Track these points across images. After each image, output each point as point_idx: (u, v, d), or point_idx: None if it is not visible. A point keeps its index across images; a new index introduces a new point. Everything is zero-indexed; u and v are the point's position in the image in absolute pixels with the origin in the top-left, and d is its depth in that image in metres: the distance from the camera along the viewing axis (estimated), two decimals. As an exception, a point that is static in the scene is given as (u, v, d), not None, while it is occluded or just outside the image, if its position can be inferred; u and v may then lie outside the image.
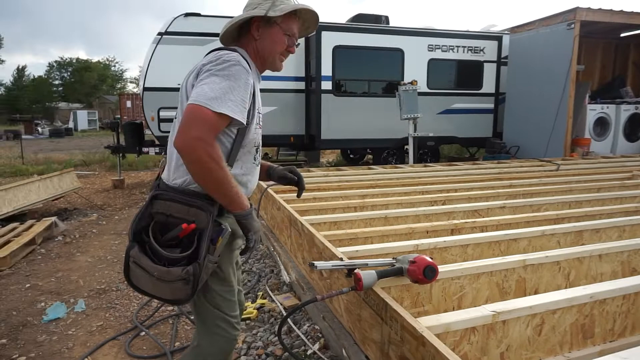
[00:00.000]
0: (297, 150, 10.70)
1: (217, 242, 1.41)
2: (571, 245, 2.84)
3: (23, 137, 20.27)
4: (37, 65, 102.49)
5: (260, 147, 1.68)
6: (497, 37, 9.53)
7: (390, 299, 1.76)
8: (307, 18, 1.67)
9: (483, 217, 3.59)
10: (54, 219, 5.12)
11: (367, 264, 1.98)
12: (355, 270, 1.89)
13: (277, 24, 1.56)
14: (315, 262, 1.88)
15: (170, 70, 7.58)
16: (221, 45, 1.60)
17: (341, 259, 2.07)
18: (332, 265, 1.93)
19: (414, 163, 7.23)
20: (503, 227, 3.17)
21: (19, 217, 5.62)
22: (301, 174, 1.95)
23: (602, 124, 8.52)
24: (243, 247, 1.57)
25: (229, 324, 1.59)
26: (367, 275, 1.84)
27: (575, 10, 7.45)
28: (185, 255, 1.38)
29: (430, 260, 1.84)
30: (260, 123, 1.63)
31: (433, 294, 2.13)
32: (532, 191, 4.45)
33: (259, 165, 1.71)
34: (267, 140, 9.12)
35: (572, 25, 7.43)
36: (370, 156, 11.32)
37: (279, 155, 11.53)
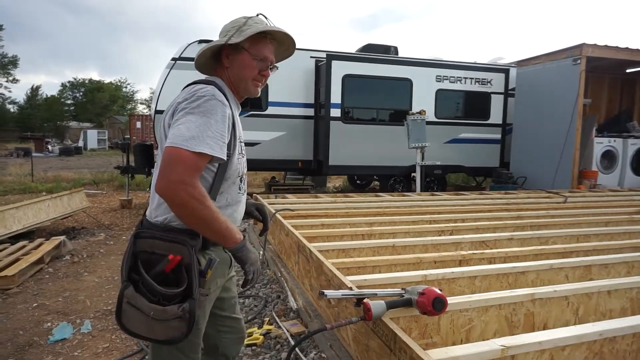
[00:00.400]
0: (305, 175, 10.78)
1: (207, 274, 1.40)
2: (579, 280, 2.83)
3: (33, 154, 20.59)
4: (51, 85, 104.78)
5: (246, 176, 1.65)
6: (505, 70, 9.69)
7: (399, 330, 1.77)
8: (282, 40, 1.63)
9: (491, 248, 3.59)
10: (62, 238, 5.16)
11: (376, 294, 1.99)
12: (365, 300, 1.91)
13: (244, 49, 1.53)
14: (325, 291, 1.90)
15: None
16: (198, 78, 1.58)
17: (351, 288, 2.09)
18: (342, 294, 1.94)
19: (421, 191, 7.25)
20: (511, 259, 3.17)
21: (27, 235, 5.67)
22: (268, 214, 1.91)
23: (609, 157, 8.55)
24: (241, 281, 1.55)
25: None
26: (376, 306, 1.85)
27: (581, 46, 7.59)
28: (181, 291, 1.35)
29: (439, 292, 1.86)
30: (243, 152, 1.61)
31: (441, 325, 2.13)
32: (539, 223, 4.45)
33: (245, 194, 1.68)
34: (276, 165, 9.25)
35: (579, 61, 7.56)
36: (376, 182, 11.36)
37: (286, 179, 11.61)
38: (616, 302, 2.43)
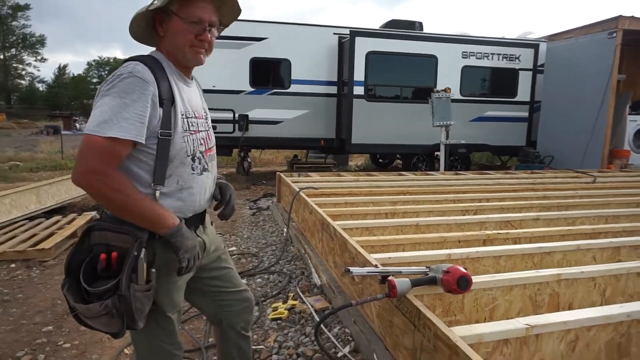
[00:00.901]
0: (327, 153, 10.79)
1: (138, 269, 1.32)
2: (607, 262, 2.79)
3: (62, 132, 21.16)
4: (77, 64, 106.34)
5: (206, 154, 1.53)
6: (534, 45, 9.37)
7: (423, 307, 1.79)
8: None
9: (516, 228, 3.56)
10: (93, 213, 5.35)
11: (400, 272, 2.02)
12: (389, 278, 1.93)
13: (174, 13, 1.38)
14: (351, 268, 1.93)
15: (205, 72, 7.77)
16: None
17: (376, 266, 2.12)
18: (367, 272, 1.97)
19: (444, 170, 7.18)
20: (537, 239, 3.14)
21: (60, 210, 5.89)
22: (228, 194, 1.69)
23: (643, 136, 8.26)
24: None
25: (169, 352, 1.54)
26: (401, 283, 1.88)
27: (617, 18, 7.26)
28: (106, 289, 1.29)
29: (464, 270, 1.87)
30: (193, 129, 1.47)
31: (465, 303, 2.15)
32: (567, 204, 4.37)
33: (209, 172, 1.56)
34: (298, 143, 9.31)
35: (614, 34, 7.24)
36: (399, 161, 11.29)
37: (307, 157, 11.65)
38: (645, 284, 2.39)
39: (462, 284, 1.83)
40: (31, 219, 5.18)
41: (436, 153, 9.13)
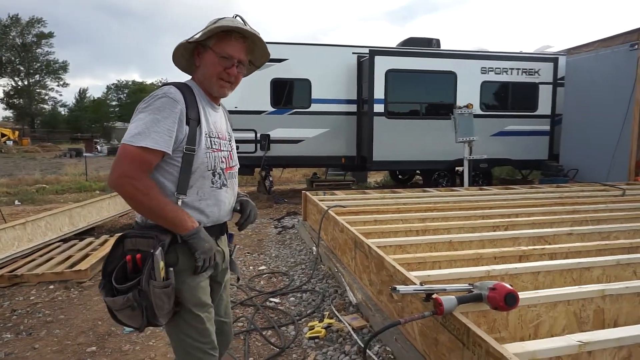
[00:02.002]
0: (347, 170, 10.84)
1: (158, 267, 1.44)
2: (649, 276, 2.75)
3: (84, 154, 21.68)
4: (96, 87, 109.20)
5: (223, 170, 1.64)
6: (553, 59, 9.36)
7: (472, 324, 1.81)
8: (254, 40, 1.63)
9: (550, 244, 3.54)
10: (124, 234, 5.45)
11: (445, 289, 2.03)
12: (434, 295, 1.95)
13: (209, 48, 1.57)
14: (398, 287, 1.95)
15: (228, 94, 7.96)
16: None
17: (421, 284, 2.13)
18: (414, 290, 1.99)
19: (468, 186, 7.16)
20: (573, 255, 3.12)
21: (89, 231, 6.03)
22: (248, 209, 1.80)
23: (669, 147, 8.12)
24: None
25: (202, 351, 1.59)
26: (447, 301, 1.90)
27: (639, 30, 7.23)
28: (129, 285, 1.45)
29: (510, 287, 1.88)
30: (214, 147, 1.61)
31: (510, 320, 2.15)
32: (598, 217, 4.32)
33: (228, 187, 1.68)
34: (319, 161, 9.40)
35: (636, 46, 7.21)
36: (418, 177, 11.27)
37: (327, 175, 11.71)
38: (692, 299, 2.35)
39: (509, 300, 1.84)
40: (65, 240, 5.31)
41: (457, 168, 9.12)
